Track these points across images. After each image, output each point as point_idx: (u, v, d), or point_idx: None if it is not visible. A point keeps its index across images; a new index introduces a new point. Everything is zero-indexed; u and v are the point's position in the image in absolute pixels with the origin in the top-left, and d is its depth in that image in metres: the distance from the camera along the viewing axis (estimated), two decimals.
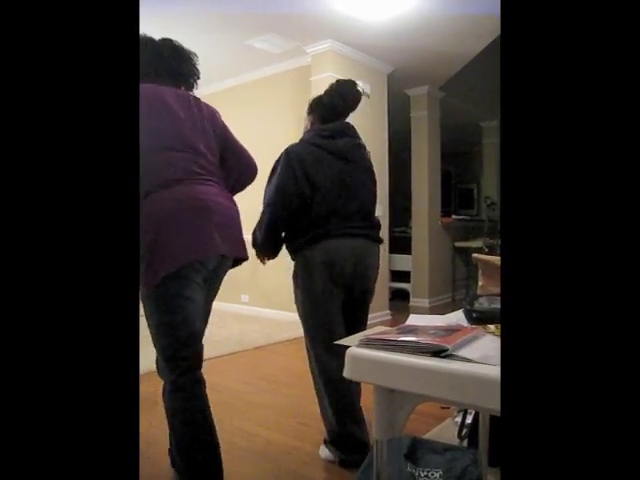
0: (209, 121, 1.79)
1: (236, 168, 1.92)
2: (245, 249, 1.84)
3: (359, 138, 2.19)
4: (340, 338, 2.03)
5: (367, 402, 2.28)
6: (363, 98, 4.67)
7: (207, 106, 1.84)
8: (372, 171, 2.22)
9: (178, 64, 1.80)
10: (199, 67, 1.87)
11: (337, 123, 2.15)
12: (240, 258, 1.85)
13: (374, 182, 2.22)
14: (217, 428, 1.55)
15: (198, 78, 1.88)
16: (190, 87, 1.87)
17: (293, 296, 2.16)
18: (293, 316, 2.49)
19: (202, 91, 5.46)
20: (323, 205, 2.00)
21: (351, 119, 4.21)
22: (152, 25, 3.91)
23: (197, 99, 1.81)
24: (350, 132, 2.17)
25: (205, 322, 1.82)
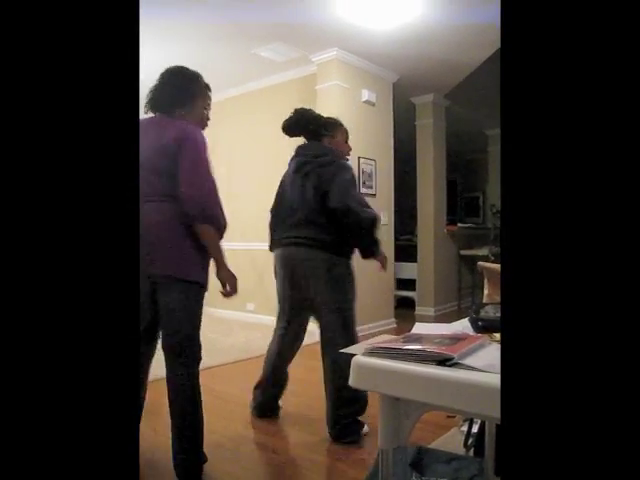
0: (172, 145, 1.78)
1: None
2: (166, 267, 1.78)
3: (321, 156, 2.37)
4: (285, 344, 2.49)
5: (373, 411, 2.28)
6: (368, 106, 4.72)
7: (178, 130, 1.81)
8: (321, 182, 2.28)
9: (162, 88, 1.90)
10: (187, 84, 1.92)
11: (300, 144, 2.51)
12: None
13: (322, 192, 2.25)
14: (221, 436, 1.55)
15: (178, 97, 1.90)
16: (169, 107, 1.90)
17: None
18: None
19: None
20: (274, 217, 2.47)
21: (357, 127, 4.26)
22: (160, 33, 3.95)
23: (166, 123, 1.83)
24: (303, 151, 2.46)
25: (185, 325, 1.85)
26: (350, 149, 2.59)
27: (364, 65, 4.65)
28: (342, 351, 1.19)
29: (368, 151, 4.70)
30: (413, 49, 4.35)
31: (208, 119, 2.06)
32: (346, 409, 2.25)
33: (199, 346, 1.88)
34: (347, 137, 2.58)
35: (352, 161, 4.53)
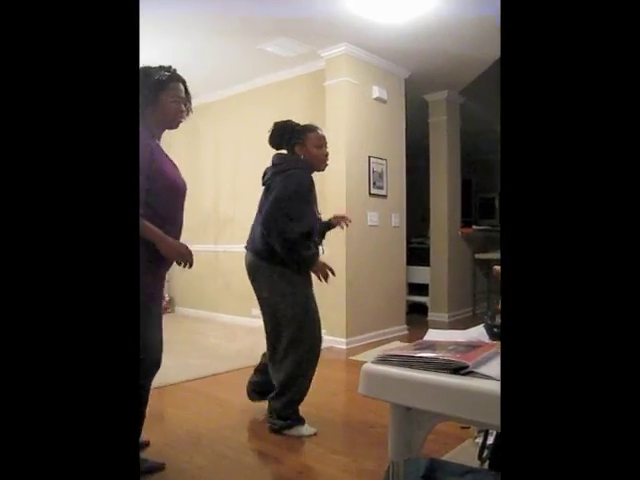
0: None
1: None
2: None
3: (276, 166, 2.48)
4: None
5: (383, 421, 2.18)
6: (379, 103, 4.62)
7: None
8: (269, 192, 2.39)
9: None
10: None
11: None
12: None
13: (273, 200, 2.34)
14: (224, 445, 1.51)
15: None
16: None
17: None
18: None
19: (214, 95, 5.45)
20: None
21: (368, 125, 4.16)
22: (164, 27, 3.89)
23: None
24: (273, 161, 2.53)
25: None
26: (325, 155, 2.52)
27: (374, 61, 4.56)
28: (352, 358, 1.13)
29: (379, 150, 4.61)
30: (426, 44, 4.25)
31: (182, 111, 1.95)
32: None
33: (147, 355, 1.77)
34: (320, 143, 2.51)
35: (362, 160, 4.48)
